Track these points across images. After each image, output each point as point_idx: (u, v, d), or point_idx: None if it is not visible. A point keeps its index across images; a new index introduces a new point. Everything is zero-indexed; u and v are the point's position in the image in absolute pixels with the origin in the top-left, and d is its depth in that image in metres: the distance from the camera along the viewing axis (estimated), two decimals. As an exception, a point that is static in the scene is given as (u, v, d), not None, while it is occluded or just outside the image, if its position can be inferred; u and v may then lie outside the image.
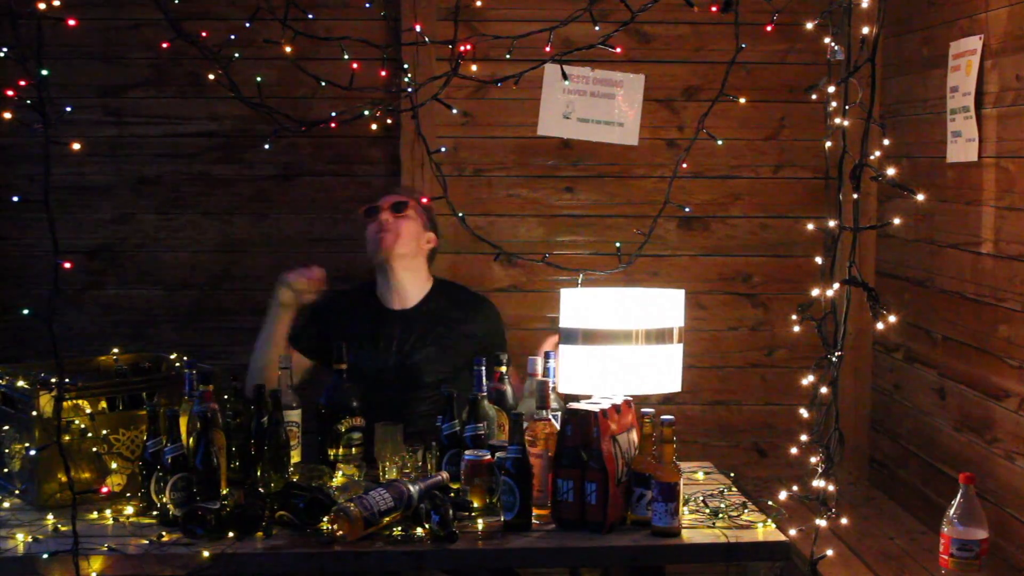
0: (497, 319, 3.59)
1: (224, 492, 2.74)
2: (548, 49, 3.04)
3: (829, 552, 2.81)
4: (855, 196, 2.76)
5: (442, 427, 3.00)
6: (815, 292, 2.90)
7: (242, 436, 2.88)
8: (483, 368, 3.03)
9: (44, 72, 2.42)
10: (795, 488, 3.21)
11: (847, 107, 2.79)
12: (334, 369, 3.10)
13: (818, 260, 3.07)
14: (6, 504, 2.90)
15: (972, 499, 2.81)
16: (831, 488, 2.80)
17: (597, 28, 2.95)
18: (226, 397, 2.93)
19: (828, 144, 3.03)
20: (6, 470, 2.99)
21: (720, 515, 2.84)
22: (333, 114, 3.09)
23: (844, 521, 3.05)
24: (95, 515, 2.78)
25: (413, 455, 2.93)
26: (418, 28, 3.31)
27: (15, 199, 2.79)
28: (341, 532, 2.58)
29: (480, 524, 2.74)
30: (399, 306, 3.49)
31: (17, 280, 4.03)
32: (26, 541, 2.61)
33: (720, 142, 3.32)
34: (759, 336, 4.14)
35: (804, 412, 3.03)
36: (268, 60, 3.57)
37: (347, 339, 3.22)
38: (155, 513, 2.76)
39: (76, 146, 2.69)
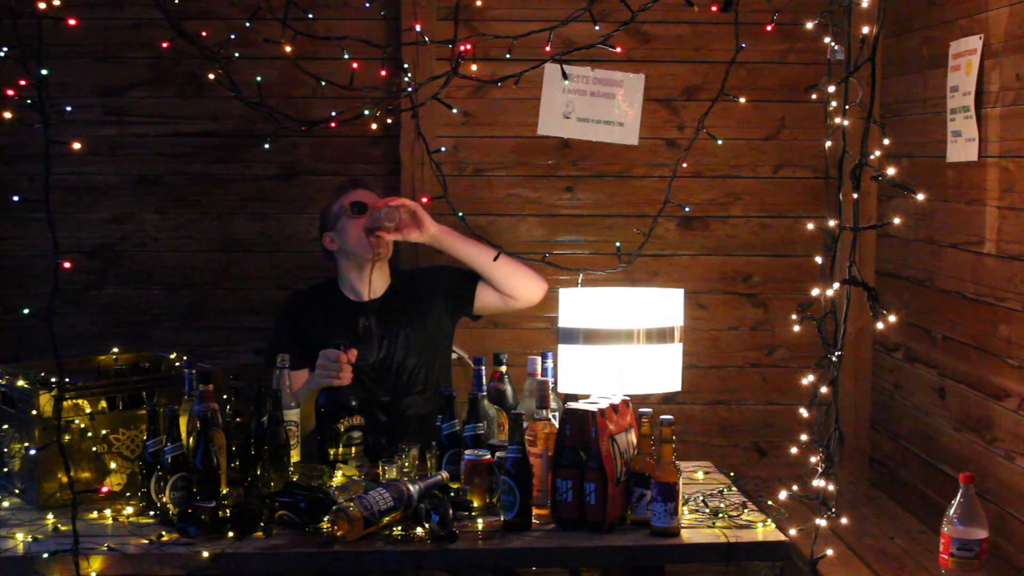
0: (450, 269, 3.56)
1: (224, 492, 2.74)
2: (548, 49, 3.04)
3: (829, 552, 2.81)
4: (855, 196, 2.76)
5: (442, 427, 3.00)
6: (815, 292, 2.90)
7: (242, 436, 2.88)
8: (483, 368, 3.03)
9: (44, 72, 2.42)
10: (795, 488, 3.21)
11: (847, 107, 2.79)
12: None
13: (818, 260, 3.07)
14: (6, 503, 2.89)
15: (972, 498, 2.81)
16: (831, 488, 2.81)
17: (597, 28, 2.96)
18: (225, 396, 2.93)
19: (828, 144, 3.04)
20: (6, 470, 2.99)
21: (720, 515, 2.83)
22: (333, 113, 3.09)
23: (844, 521, 3.06)
24: (95, 515, 2.78)
25: (407, 455, 2.93)
26: (418, 28, 3.31)
27: (15, 199, 2.79)
28: (341, 532, 2.57)
29: (480, 524, 2.74)
30: (368, 297, 3.49)
31: (17, 280, 4.03)
32: (26, 541, 2.61)
33: (720, 142, 3.31)
34: (759, 336, 4.13)
35: (804, 412, 3.03)
36: (268, 60, 3.57)
37: (328, 337, 3.25)
38: (154, 513, 2.76)
39: (76, 146, 2.68)
